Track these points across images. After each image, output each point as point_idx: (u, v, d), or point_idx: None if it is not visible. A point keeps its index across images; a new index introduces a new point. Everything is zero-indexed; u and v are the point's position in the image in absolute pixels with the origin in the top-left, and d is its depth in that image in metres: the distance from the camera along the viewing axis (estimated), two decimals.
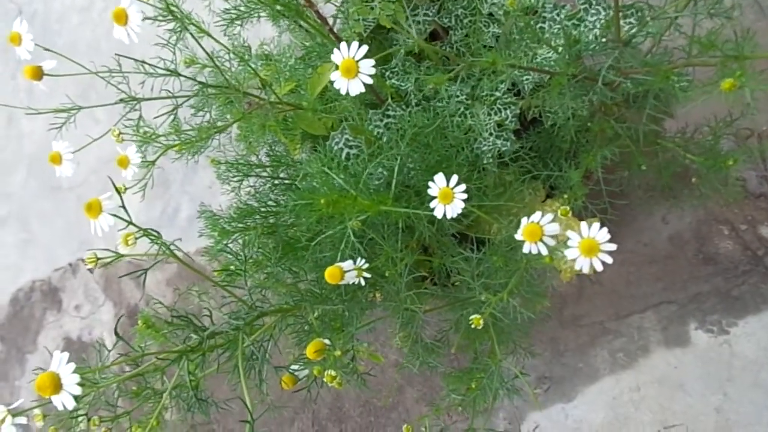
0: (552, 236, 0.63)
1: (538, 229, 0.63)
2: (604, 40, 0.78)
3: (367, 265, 0.67)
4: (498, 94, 0.94)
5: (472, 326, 0.64)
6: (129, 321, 2.23)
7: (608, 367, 1.41)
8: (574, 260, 0.64)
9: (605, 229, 0.60)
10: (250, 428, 0.52)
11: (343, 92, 0.66)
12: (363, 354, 0.83)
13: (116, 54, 0.74)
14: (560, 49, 0.82)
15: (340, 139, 0.93)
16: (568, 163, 0.86)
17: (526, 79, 0.96)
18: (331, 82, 0.71)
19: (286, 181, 1.00)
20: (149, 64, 0.74)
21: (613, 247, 0.61)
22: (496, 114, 0.93)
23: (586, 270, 0.61)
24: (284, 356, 0.86)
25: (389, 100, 0.94)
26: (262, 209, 1.00)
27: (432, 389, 1.64)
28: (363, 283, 0.68)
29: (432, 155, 0.82)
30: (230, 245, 0.92)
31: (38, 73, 0.73)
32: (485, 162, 0.86)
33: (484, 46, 1.01)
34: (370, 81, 0.66)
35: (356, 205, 0.71)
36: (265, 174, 1.02)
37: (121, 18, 0.72)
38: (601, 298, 1.43)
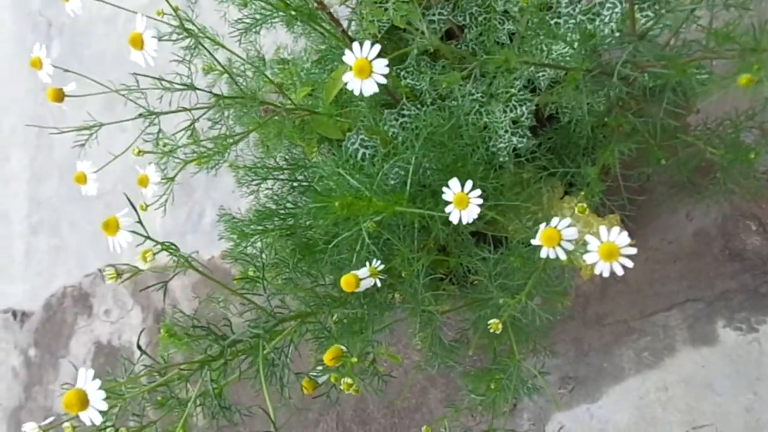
0: (570, 240, 0.62)
1: (555, 234, 0.62)
2: (618, 34, 0.77)
3: (382, 267, 0.67)
4: (513, 91, 0.94)
5: (491, 330, 0.63)
6: (156, 326, 2.27)
7: (634, 367, 1.38)
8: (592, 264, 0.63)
9: (625, 233, 0.59)
10: None
11: (356, 93, 0.66)
12: (383, 355, 0.83)
13: (134, 73, 0.76)
14: (575, 44, 0.81)
15: (356, 140, 0.93)
16: (585, 160, 0.85)
17: (542, 76, 0.95)
18: (346, 85, 0.72)
19: (304, 184, 1.01)
20: (166, 81, 0.76)
21: (633, 251, 0.60)
22: (511, 111, 0.92)
23: (606, 274, 0.60)
24: (306, 360, 0.87)
25: (404, 99, 0.94)
26: (281, 211, 1.01)
27: (455, 390, 1.64)
28: (379, 284, 0.68)
29: (447, 154, 0.81)
30: (249, 249, 0.93)
31: (59, 96, 0.76)
32: (501, 160, 0.86)
33: (499, 44, 1.01)
34: (383, 81, 0.66)
35: (371, 207, 0.71)
36: (282, 177, 1.03)
37: (137, 43, 0.74)
38: (625, 297, 1.41)
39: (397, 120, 0.95)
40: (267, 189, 1.10)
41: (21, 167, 2.81)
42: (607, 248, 0.60)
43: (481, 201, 0.67)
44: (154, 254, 0.60)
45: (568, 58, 0.89)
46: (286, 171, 1.03)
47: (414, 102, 0.97)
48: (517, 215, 0.93)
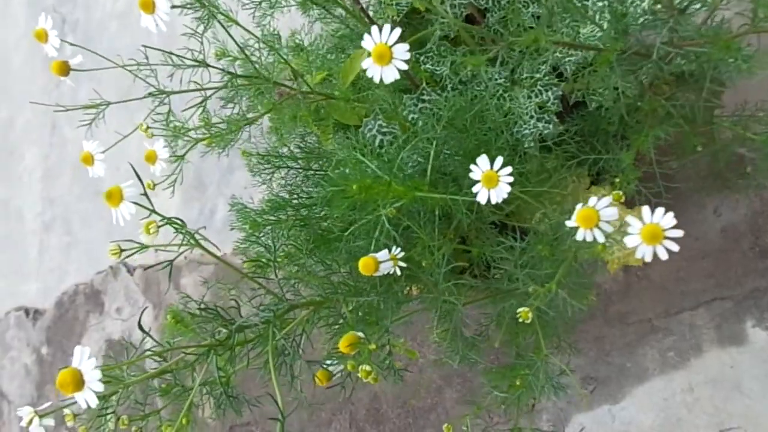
0: (609, 221, 0.59)
1: (594, 214, 0.58)
2: (656, 8, 0.72)
3: (402, 254, 0.64)
4: (538, 75, 0.90)
5: (520, 320, 0.60)
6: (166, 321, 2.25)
7: (658, 367, 1.34)
8: (632, 248, 0.59)
9: (671, 214, 0.56)
10: (281, 427, 0.49)
11: (376, 80, 0.62)
12: (399, 349, 0.80)
13: (143, 45, 0.73)
14: (605, 24, 0.77)
15: (373, 126, 0.90)
16: (619, 145, 0.81)
17: (568, 60, 0.91)
18: (364, 70, 0.68)
19: (319, 172, 0.97)
20: (177, 55, 0.72)
21: (679, 233, 0.56)
22: (536, 96, 0.88)
23: (648, 258, 0.57)
24: (318, 353, 0.84)
25: (424, 84, 0.91)
26: (294, 201, 0.98)
27: (471, 390, 1.59)
28: (399, 273, 0.65)
29: (470, 139, 0.78)
30: (261, 238, 0.90)
31: (65, 69, 0.73)
32: (526, 146, 0.82)
33: (522, 27, 0.97)
34: (405, 67, 0.62)
35: (390, 191, 0.67)
36: (296, 165, 1.00)
37: (149, 6, 0.71)
38: (649, 295, 1.36)
39: (416, 105, 0.91)
40: (280, 179, 1.07)
41: (34, 164, 2.80)
42: (650, 230, 0.56)
43: (511, 179, 0.63)
44: (158, 227, 0.56)
45: (596, 41, 0.85)
46: (300, 160, 0.99)
47: (434, 87, 0.93)
48: (540, 205, 0.89)
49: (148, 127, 0.79)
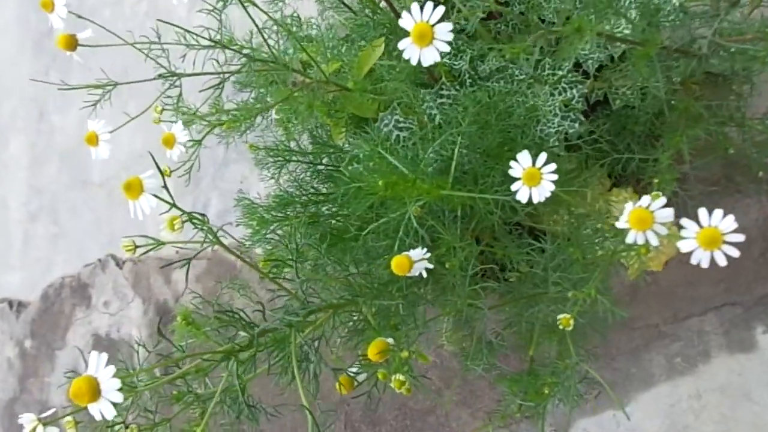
0: (664, 223, 0.56)
1: (648, 216, 0.55)
2: (687, 6, 0.70)
3: (428, 255, 0.61)
4: (561, 72, 0.87)
5: (561, 327, 0.57)
6: (157, 319, 2.20)
7: (665, 373, 1.32)
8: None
9: (731, 217, 0.53)
10: None
11: (413, 62, 0.58)
12: (413, 354, 0.77)
13: (158, 20, 0.68)
14: (636, 20, 0.74)
15: (390, 121, 0.86)
16: (648, 146, 0.78)
17: (591, 59, 0.88)
18: (380, 58, 0.65)
19: (330, 168, 0.94)
20: (193, 33, 0.68)
21: (741, 237, 0.54)
22: (560, 94, 0.85)
23: (705, 265, 0.54)
24: (327, 356, 0.80)
25: (443, 79, 0.87)
26: (303, 197, 0.94)
27: (471, 392, 1.57)
28: (425, 275, 0.61)
29: (493, 137, 0.74)
30: (271, 235, 0.86)
31: (72, 43, 0.68)
32: (550, 145, 0.79)
33: (544, 22, 0.94)
34: (447, 48, 0.58)
35: (415, 189, 0.64)
36: (306, 160, 0.96)
37: None
38: (656, 300, 1.34)
39: (435, 101, 0.88)
40: (287, 174, 1.03)
41: (20, 152, 2.73)
42: (708, 234, 0.53)
43: (555, 177, 0.60)
44: (183, 222, 0.52)
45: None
46: (310, 155, 0.96)
47: (453, 83, 0.90)
48: (560, 206, 0.86)
49: (162, 109, 0.74)
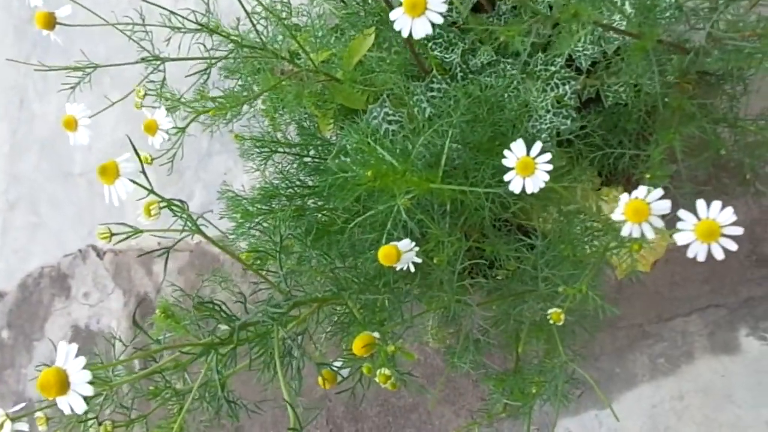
0: (661, 216, 0.55)
1: (644, 207, 0.54)
2: (681, 2, 0.69)
3: (417, 249, 0.59)
4: (554, 68, 0.86)
5: (551, 322, 0.55)
6: (139, 310, 2.17)
7: (648, 373, 1.31)
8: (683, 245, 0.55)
9: (730, 209, 0.52)
10: None
11: (404, 34, 0.56)
12: (397, 351, 0.75)
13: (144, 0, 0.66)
14: (632, 15, 0.73)
15: (379, 113, 0.84)
16: (640, 144, 0.77)
17: (585, 54, 0.87)
18: (370, 49, 0.63)
19: (316, 160, 0.92)
20: (179, 15, 0.66)
21: (739, 230, 0.53)
22: (552, 90, 0.84)
23: (701, 258, 0.53)
24: (312, 354, 0.78)
25: (434, 72, 0.86)
26: (289, 190, 0.92)
27: (455, 390, 1.56)
28: (413, 269, 0.60)
29: (485, 131, 0.73)
30: (256, 228, 0.84)
31: (51, 21, 0.65)
32: (543, 142, 0.78)
33: (535, 14, 0.92)
34: (440, 20, 0.56)
35: (404, 181, 0.62)
36: (292, 152, 0.94)
37: None
38: (641, 300, 1.34)
39: (425, 94, 0.86)
40: (272, 165, 1.01)
41: (0, 140, 2.68)
42: (707, 226, 0.52)
43: (550, 167, 0.58)
44: (160, 208, 0.50)
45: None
46: (297, 146, 0.94)
47: (444, 76, 0.88)
48: (549, 204, 0.85)
49: (145, 94, 0.71)
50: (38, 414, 0.52)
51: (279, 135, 1.02)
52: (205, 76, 0.71)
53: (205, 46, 0.69)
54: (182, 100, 0.76)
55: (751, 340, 1.23)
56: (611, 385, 1.35)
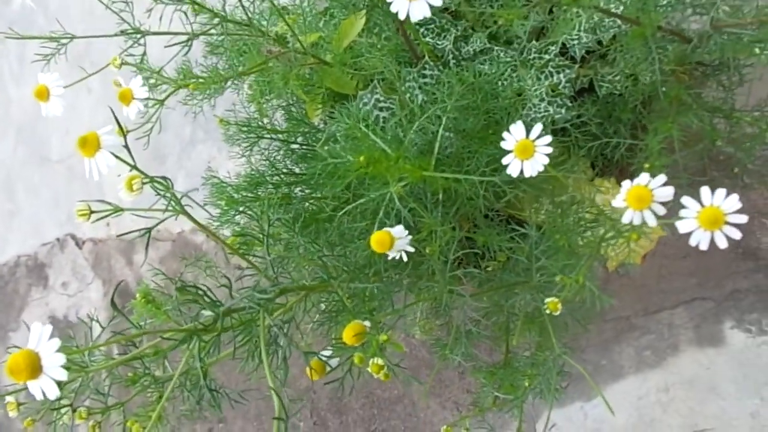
0: (663, 202, 0.53)
1: (647, 193, 0.53)
2: None
3: (410, 238, 0.57)
4: (548, 56, 0.84)
5: (547, 312, 0.54)
6: (118, 301, 2.13)
7: (634, 366, 1.32)
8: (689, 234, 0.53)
9: (735, 196, 0.51)
10: (285, 426, 0.42)
11: (401, 16, 0.54)
12: (387, 342, 0.73)
13: None
14: (629, 2, 0.72)
15: (370, 99, 0.82)
16: (636, 134, 0.76)
17: (578, 44, 0.86)
18: (360, 35, 0.61)
19: (304, 147, 0.89)
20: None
21: (743, 219, 0.51)
22: (546, 78, 0.82)
23: (704, 247, 0.51)
24: (299, 344, 0.76)
25: (426, 58, 0.84)
26: (276, 177, 0.90)
27: (440, 382, 1.55)
28: (405, 258, 0.58)
29: (478, 119, 0.71)
30: (242, 214, 0.82)
31: None
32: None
33: (530, 2, 0.91)
34: (439, 2, 0.54)
35: (397, 168, 0.60)
36: (279, 138, 0.91)
37: None
38: (628, 292, 1.34)
39: (417, 81, 0.84)
40: (258, 152, 0.98)
41: None
42: (710, 214, 0.51)
43: (549, 150, 0.57)
44: (143, 183, 0.47)
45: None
46: (284, 133, 0.91)
47: (436, 63, 0.86)
48: (542, 194, 0.84)
49: (122, 63, 0.68)
50: (9, 399, 0.49)
51: (266, 121, 0.99)
52: (186, 49, 0.68)
53: (187, 16, 0.66)
54: (163, 73, 0.73)
55: (736, 333, 1.23)
56: (597, 377, 1.34)
